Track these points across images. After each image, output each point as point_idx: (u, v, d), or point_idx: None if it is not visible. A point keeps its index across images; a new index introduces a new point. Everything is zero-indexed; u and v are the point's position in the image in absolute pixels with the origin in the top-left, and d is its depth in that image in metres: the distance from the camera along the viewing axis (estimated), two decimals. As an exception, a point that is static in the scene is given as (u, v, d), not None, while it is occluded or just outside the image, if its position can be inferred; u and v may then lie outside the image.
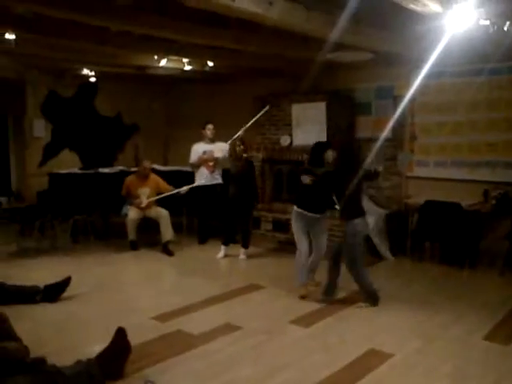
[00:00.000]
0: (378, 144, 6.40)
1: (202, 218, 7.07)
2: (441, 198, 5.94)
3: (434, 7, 3.48)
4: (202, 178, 6.74)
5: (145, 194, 6.62)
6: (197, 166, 6.79)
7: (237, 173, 6.21)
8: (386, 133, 6.63)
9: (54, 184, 7.26)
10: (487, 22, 3.80)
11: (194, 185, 6.73)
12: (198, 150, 6.82)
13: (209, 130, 6.82)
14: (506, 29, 3.95)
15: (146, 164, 6.79)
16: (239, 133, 6.50)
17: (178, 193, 6.76)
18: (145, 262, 6.20)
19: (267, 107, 6.94)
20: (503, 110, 5.89)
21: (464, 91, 6.13)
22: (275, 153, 7.49)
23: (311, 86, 6.72)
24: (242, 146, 6.17)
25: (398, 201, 6.83)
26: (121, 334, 3.25)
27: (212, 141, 6.83)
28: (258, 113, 6.90)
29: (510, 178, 5.84)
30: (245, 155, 6.24)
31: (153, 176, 6.83)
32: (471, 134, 6.14)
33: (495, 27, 3.90)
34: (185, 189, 6.73)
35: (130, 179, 6.78)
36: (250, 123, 6.65)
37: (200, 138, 6.91)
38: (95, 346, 3.31)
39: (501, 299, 4.72)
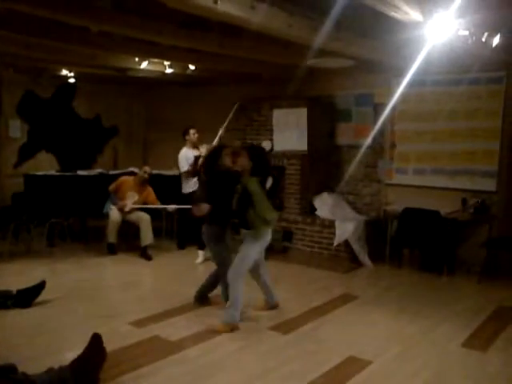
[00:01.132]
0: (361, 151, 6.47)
1: (185, 223, 6.94)
2: (420, 205, 5.99)
3: (415, 16, 3.51)
4: (194, 185, 6.33)
5: (132, 199, 6.54)
6: (191, 173, 6.26)
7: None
8: (367, 140, 6.71)
9: (30, 186, 7.09)
10: (466, 33, 3.86)
11: (182, 206, 6.50)
12: (188, 156, 6.43)
13: (193, 134, 6.66)
14: (484, 40, 4.03)
15: (146, 169, 6.72)
16: (220, 133, 6.39)
17: (164, 209, 6.68)
18: (123, 267, 6.09)
19: (236, 105, 6.73)
20: (482, 120, 5.98)
21: (444, 100, 6.22)
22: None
23: (290, 89, 6.73)
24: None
25: (377, 208, 6.88)
26: (96, 339, 3.18)
27: (196, 145, 6.68)
28: (233, 114, 6.76)
29: (488, 187, 5.93)
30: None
31: (148, 187, 6.74)
32: (450, 142, 6.22)
33: (474, 38, 3.96)
34: (172, 207, 6.66)
35: (125, 179, 6.67)
36: (225, 123, 6.50)
37: (182, 143, 6.76)
38: (69, 353, 3.22)
39: (478, 306, 4.77)
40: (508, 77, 5.81)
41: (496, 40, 4.01)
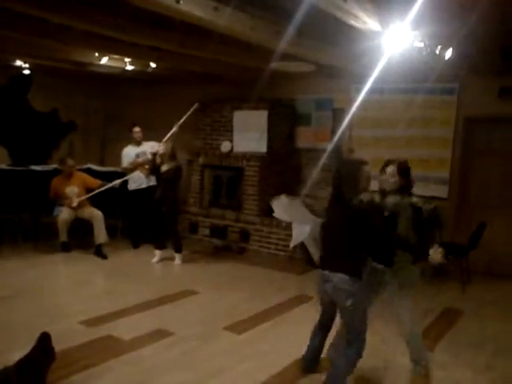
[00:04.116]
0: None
1: (137, 221, 6.90)
2: (374, 209, 6.14)
3: (374, 26, 3.61)
4: (138, 181, 6.70)
5: (74, 193, 6.39)
6: (130, 170, 6.66)
7: (164, 175, 6.05)
8: (329, 144, 6.82)
9: (-21, 180, 6.84)
10: (421, 44, 4.01)
11: (126, 178, 6.66)
12: (130, 153, 6.73)
13: (135, 132, 6.75)
14: (437, 52, 4.19)
15: (70, 162, 6.55)
16: (173, 130, 6.36)
17: (112, 187, 6.59)
18: (76, 265, 5.96)
19: (196, 105, 6.76)
20: (436, 128, 6.21)
21: (401, 108, 6.41)
22: (215, 158, 7.47)
23: (254, 94, 6.77)
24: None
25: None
26: (44, 339, 3.10)
27: (140, 143, 6.76)
28: (190, 113, 6.72)
29: (440, 194, 6.16)
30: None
31: (77, 173, 6.61)
32: (407, 149, 6.40)
33: (428, 50, 4.12)
34: (117, 182, 6.60)
35: (55, 181, 6.52)
36: (181, 121, 6.48)
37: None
38: (15, 353, 3.12)
39: (427, 308, 4.91)
40: (460, 88, 6.06)
41: (448, 53, 4.18)
